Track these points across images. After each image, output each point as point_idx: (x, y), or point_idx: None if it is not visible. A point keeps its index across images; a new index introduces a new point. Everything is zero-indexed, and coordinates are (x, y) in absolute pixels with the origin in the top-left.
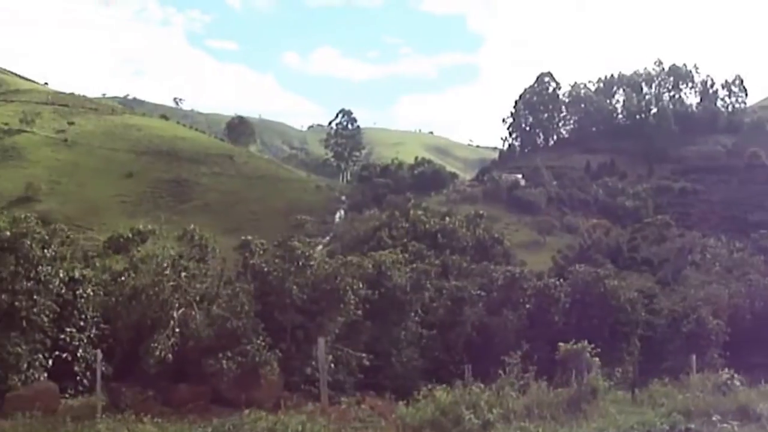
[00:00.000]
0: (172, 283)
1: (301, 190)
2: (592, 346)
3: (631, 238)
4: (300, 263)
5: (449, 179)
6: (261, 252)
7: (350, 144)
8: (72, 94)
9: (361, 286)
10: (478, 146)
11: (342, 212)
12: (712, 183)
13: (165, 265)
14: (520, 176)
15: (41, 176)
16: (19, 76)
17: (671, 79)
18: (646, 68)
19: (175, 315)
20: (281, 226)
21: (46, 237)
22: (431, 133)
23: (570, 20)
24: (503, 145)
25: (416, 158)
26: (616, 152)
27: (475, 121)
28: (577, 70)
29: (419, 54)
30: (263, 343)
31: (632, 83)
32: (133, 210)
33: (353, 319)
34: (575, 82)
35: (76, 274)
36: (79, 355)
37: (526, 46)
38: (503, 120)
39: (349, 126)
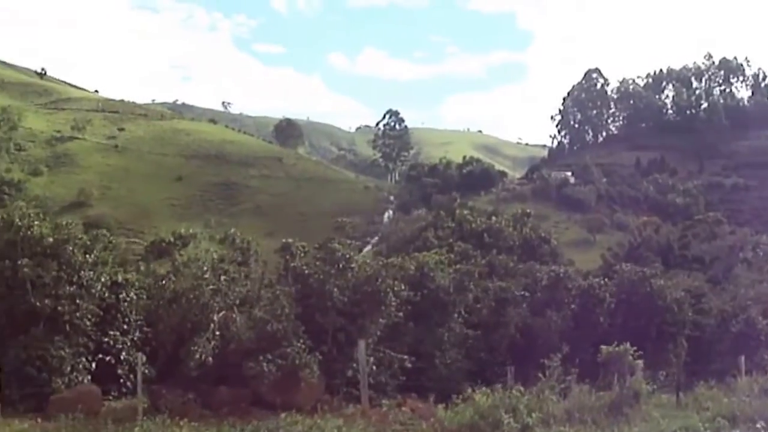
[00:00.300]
0: (211, 287)
1: (349, 191)
2: (635, 348)
3: (682, 236)
4: (341, 265)
5: (498, 178)
6: (302, 254)
7: (398, 144)
8: (122, 100)
9: (403, 287)
10: (527, 144)
11: (390, 212)
12: (764, 178)
13: (205, 268)
14: (569, 174)
15: (93, 182)
16: (71, 85)
17: (722, 72)
18: (695, 62)
19: (215, 318)
20: (329, 227)
21: (88, 242)
22: (479, 131)
23: (618, 15)
24: (552, 143)
25: (464, 157)
26: (666, 148)
27: (524, 120)
28: (626, 65)
29: (466, 53)
30: (303, 346)
31: (682, 78)
32: (183, 213)
33: (395, 320)
34: (624, 78)
35: (119, 278)
36: (122, 357)
37: (575, 42)
38: (552, 117)
39: (397, 126)
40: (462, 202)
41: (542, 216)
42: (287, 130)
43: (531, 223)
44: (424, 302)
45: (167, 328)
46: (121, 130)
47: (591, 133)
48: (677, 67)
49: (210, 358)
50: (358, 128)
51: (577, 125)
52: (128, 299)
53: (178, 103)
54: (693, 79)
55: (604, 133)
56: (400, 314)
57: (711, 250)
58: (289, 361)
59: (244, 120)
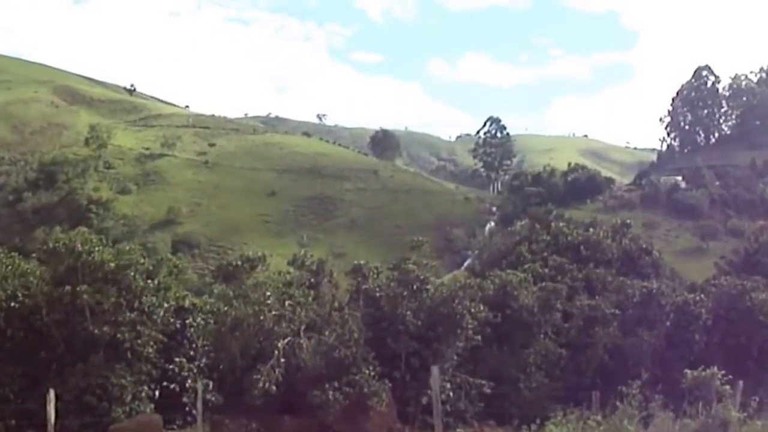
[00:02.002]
0: (274, 312)
1: (449, 202)
2: (732, 369)
3: None
4: (414, 287)
5: (605, 185)
6: (375, 276)
7: (500, 153)
8: (213, 115)
9: (481, 309)
10: (635, 148)
11: (492, 224)
12: None
13: (268, 293)
14: (679, 178)
15: (182, 199)
16: (161, 101)
17: None
18: None
19: (279, 345)
20: (431, 240)
21: (151, 267)
22: (585, 136)
23: (727, 8)
24: (661, 146)
25: (569, 164)
26: None
27: (632, 122)
28: (738, 61)
29: (571, 55)
30: (373, 373)
31: None
32: (276, 229)
33: (474, 344)
34: (736, 74)
35: (186, 303)
36: (187, 385)
37: (682, 39)
38: (660, 119)
39: (498, 134)
40: (558, 212)
41: (652, 224)
42: (383, 141)
43: (631, 233)
44: (507, 323)
45: (231, 355)
46: (211, 145)
47: (702, 135)
48: None
49: (274, 387)
50: (459, 137)
51: (687, 126)
52: (194, 325)
53: (272, 116)
54: None
55: (716, 134)
56: (478, 337)
57: None
58: (357, 388)
59: (339, 132)
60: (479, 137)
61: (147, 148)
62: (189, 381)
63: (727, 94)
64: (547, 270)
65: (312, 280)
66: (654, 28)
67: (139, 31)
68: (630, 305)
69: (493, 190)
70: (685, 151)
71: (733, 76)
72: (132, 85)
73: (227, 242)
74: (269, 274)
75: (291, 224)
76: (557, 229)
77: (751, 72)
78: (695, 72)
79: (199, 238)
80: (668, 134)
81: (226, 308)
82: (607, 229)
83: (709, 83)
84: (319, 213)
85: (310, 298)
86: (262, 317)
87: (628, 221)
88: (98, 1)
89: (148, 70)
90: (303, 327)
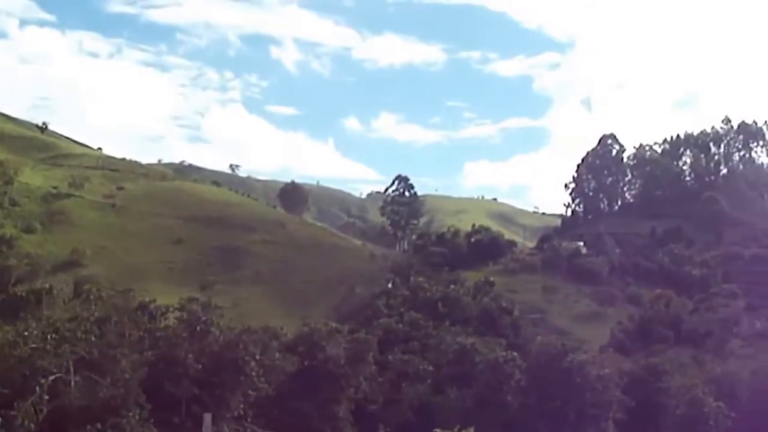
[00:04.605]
0: (33, 345)
1: (354, 258)
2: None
3: (694, 309)
4: (199, 329)
5: (507, 247)
6: (162, 316)
7: (407, 211)
8: (123, 159)
9: (276, 356)
10: (543, 213)
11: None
12: None
13: (33, 325)
14: (581, 244)
15: (87, 241)
16: (74, 141)
17: (741, 137)
18: (714, 127)
19: (43, 382)
20: (333, 295)
21: None
22: (495, 199)
23: (636, 80)
24: (566, 212)
25: (473, 226)
26: (684, 217)
27: (542, 187)
28: (644, 131)
29: (484, 118)
30: (138, 417)
31: (700, 143)
32: (181, 277)
33: (271, 394)
34: (640, 144)
35: None
36: None
37: (593, 107)
38: (566, 185)
39: (407, 193)
40: (419, 269)
41: (551, 288)
42: (292, 195)
43: (493, 292)
44: (312, 374)
45: None
46: (120, 189)
47: (606, 202)
48: (695, 132)
49: (32, 424)
50: (369, 194)
51: (591, 193)
52: None
53: (185, 164)
54: (711, 144)
55: (619, 202)
56: (264, 386)
57: (705, 324)
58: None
59: (251, 183)
60: (388, 195)
61: (55, 187)
62: None
63: (632, 163)
64: (401, 326)
65: (98, 315)
66: (566, 95)
67: (57, 71)
68: (444, 362)
69: (400, 248)
70: (589, 217)
71: (637, 146)
72: (44, 123)
73: (129, 287)
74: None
75: (195, 273)
76: (416, 284)
77: (655, 143)
78: (601, 140)
79: (101, 281)
80: (573, 200)
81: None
82: (469, 287)
83: (614, 152)
84: (225, 263)
85: (91, 336)
86: (17, 351)
87: (492, 279)
88: (18, 37)
89: (63, 110)
90: (70, 364)
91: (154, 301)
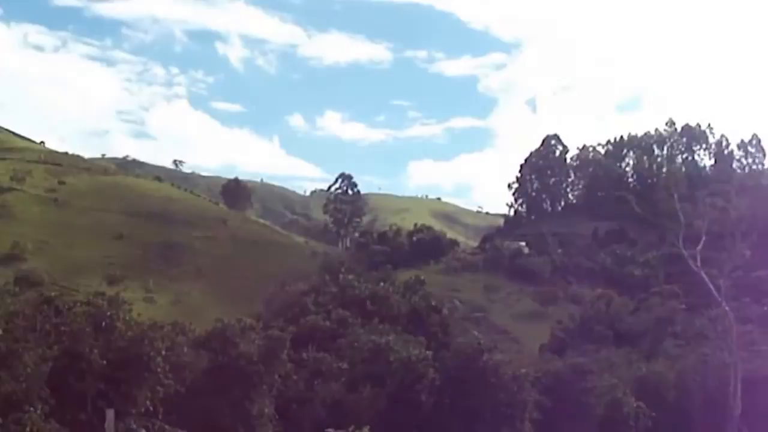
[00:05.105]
0: None
1: (296, 256)
2: None
3: (635, 309)
4: (104, 324)
5: (449, 246)
6: (68, 310)
7: (350, 210)
8: (66, 153)
9: (185, 351)
10: (487, 213)
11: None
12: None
13: None
14: (523, 244)
15: (29, 235)
16: (16, 134)
17: (684, 140)
18: (657, 129)
19: None
20: (285, 294)
21: None
22: (439, 199)
23: (581, 81)
24: (509, 212)
25: (415, 224)
26: (626, 218)
27: (486, 187)
28: (588, 132)
29: (429, 118)
30: (41, 412)
31: (643, 145)
32: (122, 273)
33: (180, 390)
34: (584, 145)
35: None
36: None
37: (538, 108)
38: (509, 185)
39: (350, 191)
40: (349, 266)
41: (493, 287)
42: (235, 191)
43: (423, 290)
44: (224, 372)
45: None
46: (62, 183)
47: (549, 202)
48: (639, 133)
49: None
50: (314, 192)
51: (534, 193)
52: None
53: (129, 159)
54: (655, 146)
55: (562, 202)
56: (171, 382)
57: (640, 324)
58: (21, 427)
59: (195, 179)
60: (331, 193)
61: None
62: None
63: (575, 164)
64: (328, 323)
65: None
66: (511, 95)
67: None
68: (359, 360)
69: (342, 246)
70: (532, 217)
71: (581, 147)
72: None
73: (70, 282)
74: None
75: (137, 269)
76: (345, 281)
77: (599, 144)
78: (544, 140)
79: (42, 276)
80: (516, 200)
81: None
82: (399, 285)
83: (558, 152)
84: (167, 259)
85: None
86: None
87: (423, 278)
88: None
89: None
90: None
91: (61, 295)
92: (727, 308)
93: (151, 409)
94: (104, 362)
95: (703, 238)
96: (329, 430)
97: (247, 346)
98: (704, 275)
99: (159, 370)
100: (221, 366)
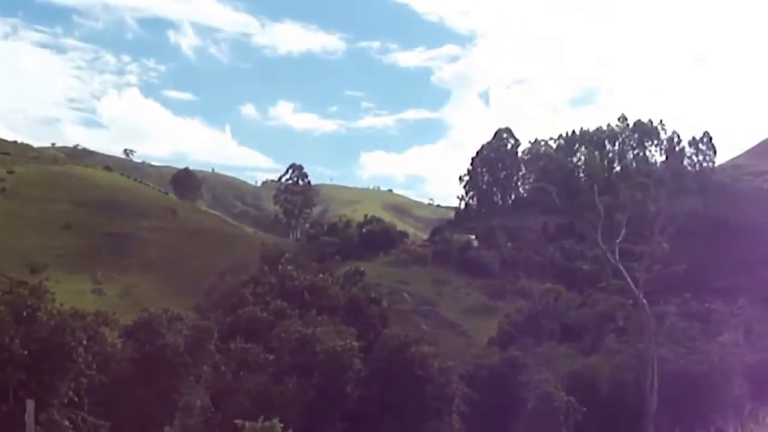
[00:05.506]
0: None
1: (246, 247)
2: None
3: (582, 304)
4: (25, 314)
5: (399, 239)
6: None
7: (300, 201)
8: (15, 142)
9: (111, 342)
10: (438, 205)
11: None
12: (675, 245)
13: None
14: (473, 237)
15: None
16: None
17: (636, 135)
18: (609, 124)
19: None
20: (225, 284)
21: None
22: (390, 191)
23: (535, 75)
24: (460, 205)
25: (365, 216)
26: (576, 213)
27: (437, 180)
28: (540, 126)
29: (382, 109)
30: None
31: (595, 140)
32: (71, 264)
33: (105, 381)
34: (536, 139)
35: None
36: None
37: (492, 101)
38: (460, 178)
39: (300, 182)
40: (289, 257)
41: (442, 280)
42: (185, 181)
43: (362, 282)
44: (151, 362)
45: None
46: (10, 173)
47: (500, 196)
48: (591, 128)
49: None
50: (265, 183)
51: (485, 186)
52: None
53: (79, 148)
54: (606, 141)
55: (513, 196)
56: (93, 372)
57: (585, 319)
58: None
59: (146, 169)
60: (282, 184)
61: None
62: None
63: (526, 158)
64: (266, 314)
65: None
66: (464, 87)
67: None
68: (286, 351)
69: (293, 237)
70: (483, 210)
71: (532, 141)
72: None
73: (19, 275)
74: None
75: (85, 260)
76: (284, 272)
77: (551, 138)
78: (496, 134)
79: None
80: (467, 193)
81: None
82: (338, 277)
83: (509, 146)
84: (116, 250)
85: None
86: None
87: (362, 269)
88: None
89: None
90: None
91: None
92: (644, 302)
93: (76, 399)
94: (25, 352)
95: (623, 231)
96: (239, 421)
97: (174, 337)
98: (622, 268)
99: (81, 360)
100: (147, 356)
